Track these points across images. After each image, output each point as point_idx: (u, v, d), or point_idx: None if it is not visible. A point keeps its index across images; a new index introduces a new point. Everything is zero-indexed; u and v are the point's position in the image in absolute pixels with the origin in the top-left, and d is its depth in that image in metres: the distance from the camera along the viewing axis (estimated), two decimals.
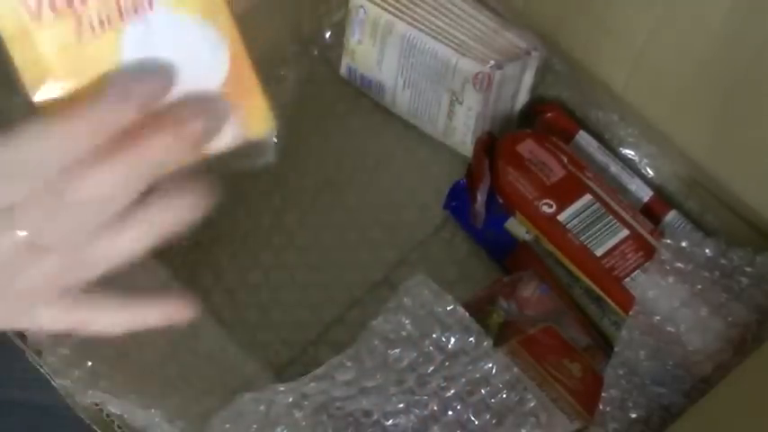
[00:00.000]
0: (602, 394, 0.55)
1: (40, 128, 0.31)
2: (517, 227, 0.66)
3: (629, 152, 0.69)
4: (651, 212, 0.66)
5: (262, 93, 0.35)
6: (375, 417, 0.51)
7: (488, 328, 0.59)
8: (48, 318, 0.36)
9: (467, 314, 0.53)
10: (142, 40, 0.32)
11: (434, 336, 0.53)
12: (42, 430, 0.68)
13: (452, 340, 0.53)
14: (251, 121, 0.34)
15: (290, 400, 0.50)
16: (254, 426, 0.50)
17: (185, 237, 0.66)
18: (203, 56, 0.33)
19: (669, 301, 0.58)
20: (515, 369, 0.53)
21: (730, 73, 0.59)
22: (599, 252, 0.62)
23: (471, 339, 0.53)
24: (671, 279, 0.58)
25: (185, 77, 0.32)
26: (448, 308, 0.53)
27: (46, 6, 0.31)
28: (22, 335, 0.63)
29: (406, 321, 0.53)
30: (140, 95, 0.32)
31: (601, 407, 0.55)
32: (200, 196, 0.34)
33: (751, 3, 0.56)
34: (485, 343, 0.53)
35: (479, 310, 0.60)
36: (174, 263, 0.62)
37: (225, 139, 0.34)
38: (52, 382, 0.58)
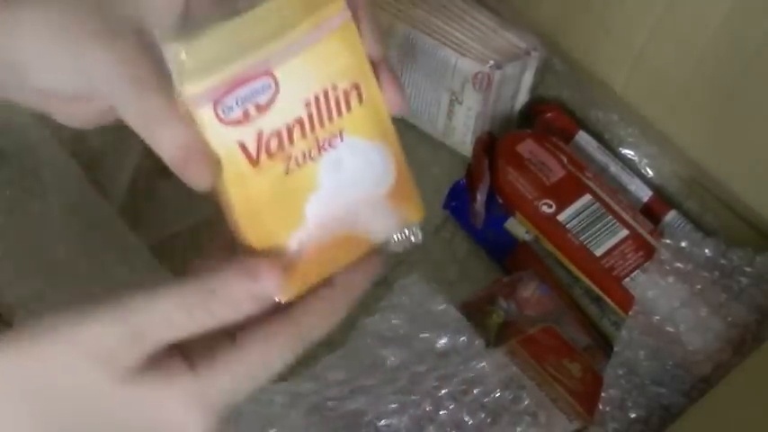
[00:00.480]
0: (602, 394, 0.55)
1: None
2: (517, 227, 0.66)
3: (628, 152, 0.69)
4: (651, 212, 0.66)
5: (417, 194, 0.41)
6: (369, 417, 0.51)
7: (488, 328, 0.59)
8: None
9: (459, 314, 0.54)
10: (334, 166, 0.38)
11: (427, 335, 0.53)
12: None
13: (445, 340, 0.53)
14: (408, 212, 0.41)
15: (285, 400, 0.50)
16: (249, 426, 0.50)
17: (185, 236, 0.66)
18: (377, 170, 0.39)
19: (669, 301, 0.58)
20: (509, 368, 0.53)
21: (730, 73, 0.59)
22: (599, 252, 0.62)
23: (463, 339, 0.53)
24: (670, 279, 0.58)
25: (363, 189, 0.39)
26: (440, 307, 0.53)
27: (263, 152, 0.37)
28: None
29: (400, 321, 0.53)
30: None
31: (600, 407, 0.55)
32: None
33: (750, 3, 0.56)
34: (476, 342, 0.53)
35: (479, 310, 0.60)
36: (174, 263, 0.62)
37: (387, 231, 0.41)
38: None
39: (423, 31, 0.68)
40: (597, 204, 0.64)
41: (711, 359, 0.57)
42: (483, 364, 0.52)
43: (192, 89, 0.35)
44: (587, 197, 0.64)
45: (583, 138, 0.69)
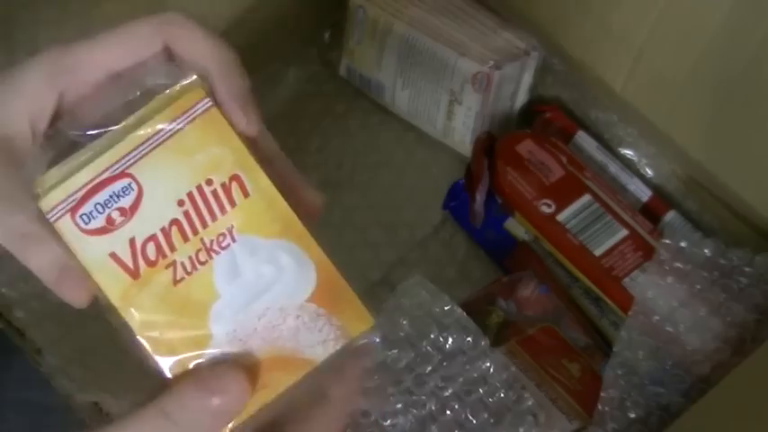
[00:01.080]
0: (601, 394, 0.55)
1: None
2: (516, 227, 0.66)
3: (628, 152, 0.69)
4: (650, 212, 0.66)
5: (356, 297, 0.36)
6: (373, 417, 0.51)
7: (487, 328, 0.59)
8: None
9: (464, 314, 0.53)
10: (230, 270, 0.34)
11: (432, 336, 0.53)
12: (42, 430, 0.68)
13: (450, 340, 0.53)
14: (354, 331, 0.36)
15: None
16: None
17: None
18: (289, 272, 0.35)
19: (668, 301, 0.58)
20: (513, 368, 0.53)
21: (729, 73, 0.59)
22: (598, 252, 0.62)
23: (469, 339, 0.53)
24: (670, 279, 0.58)
25: (276, 294, 0.35)
26: (445, 308, 0.53)
27: (141, 261, 0.34)
28: (21, 334, 0.63)
29: (404, 322, 0.53)
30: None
31: (600, 407, 0.55)
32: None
33: (750, 3, 0.56)
34: (482, 342, 0.53)
35: (478, 310, 0.60)
36: None
37: (328, 346, 0.36)
38: (52, 382, 0.58)
39: (422, 31, 0.68)
40: (596, 204, 0.64)
41: (711, 359, 0.57)
42: (488, 364, 0.52)
43: (47, 202, 0.34)
44: (587, 197, 0.64)
45: (582, 138, 0.69)
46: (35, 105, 0.35)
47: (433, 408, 0.52)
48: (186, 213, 0.34)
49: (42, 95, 0.35)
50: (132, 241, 0.34)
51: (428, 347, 0.52)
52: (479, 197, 0.66)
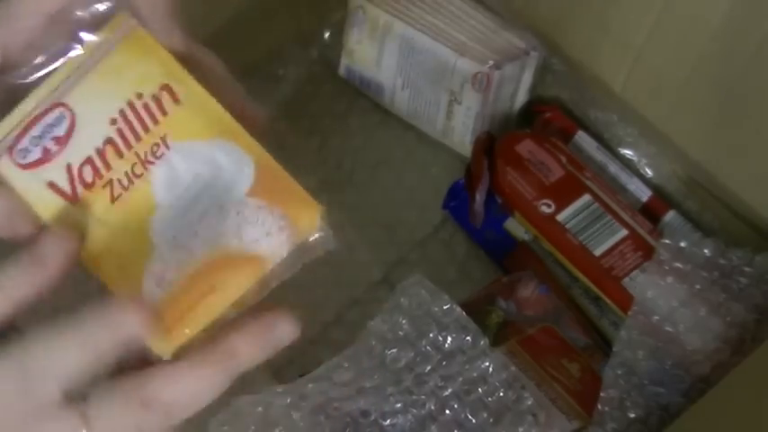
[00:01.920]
0: (601, 394, 0.55)
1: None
2: (516, 227, 0.66)
3: (627, 152, 0.69)
4: (650, 212, 0.66)
5: (299, 186, 0.35)
6: (373, 417, 0.51)
7: (487, 328, 0.59)
8: None
9: (463, 313, 0.53)
10: (168, 178, 0.34)
11: (431, 335, 0.53)
12: None
13: (449, 339, 0.53)
14: (298, 219, 0.35)
15: (288, 401, 0.50)
16: (252, 427, 0.50)
17: None
18: (226, 169, 0.34)
19: (668, 301, 0.58)
20: (512, 368, 0.53)
21: (729, 73, 0.59)
22: (598, 252, 0.62)
23: (468, 338, 0.53)
24: (670, 279, 0.58)
25: (214, 193, 0.34)
26: (444, 307, 0.53)
27: (79, 185, 0.34)
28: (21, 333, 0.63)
29: (403, 321, 0.53)
30: None
31: (599, 407, 0.55)
32: (281, 330, 0.35)
33: (750, 3, 0.56)
34: (482, 342, 0.53)
35: (478, 310, 0.60)
36: None
37: (281, 246, 0.35)
38: None
39: (422, 31, 0.68)
40: (596, 204, 0.64)
41: (710, 359, 0.57)
42: (487, 363, 0.52)
43: None
44: (586, 197, 0.64)
45: (582, 138, 0.69)
46: None
47: (433, 407, 0.52)
48: (119, 130, 0.34)
49: None
50: (69, 167, 0.34)
51: (428, 347, 0.52)
52: (479, 197, 0.66)
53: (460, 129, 0.70)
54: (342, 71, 0.75)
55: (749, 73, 0.58)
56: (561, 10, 0.67)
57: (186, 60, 0.36)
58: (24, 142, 0.34)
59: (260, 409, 0.51)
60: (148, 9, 0.36)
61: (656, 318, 0.57)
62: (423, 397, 0.52)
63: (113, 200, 0.34)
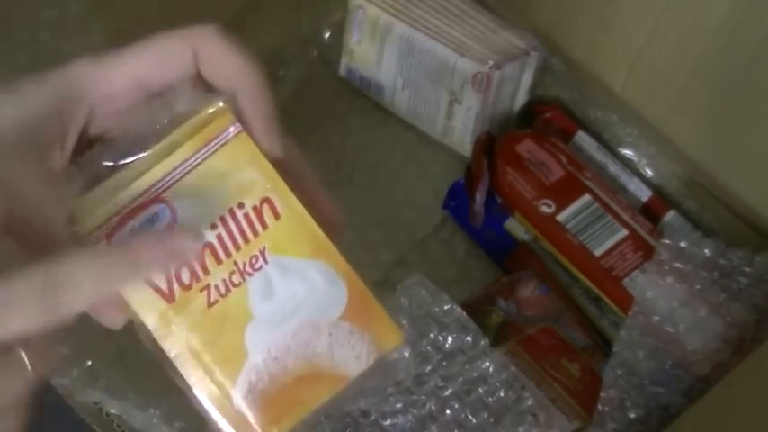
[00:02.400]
0: (601, 394, 0.55)
1: None
2: (516, 227, 0.66)
3: (627, 152, 0.69)
4: (650, 212, 0.66)
5: (385, 313, 0.37)
6: (373, 417, 0.51)
7: (487, 328, 0.59)
8: None
9: (464, 313, 0.53)
10: (264, 290, 0.35)
11: (432, 335, 0.53)
12: (42, 429, 0.68)
13: (449, 340, 0.53)
14: (385, 344, 0.36)
15: None
16: None
17: None
18: (322, 290, 0.36)
19: (668, 301, 0.58)
20: (512, 368, 0.53)
21: (729, 73, 0.59)
22: (598, 252, 0.62)
23: (468, 339, 0.53)
24: (670, 279, 0.58)
25: (309, 312, 0.35)
26: (445, 307, 0.53)
27: (176, 285, 0.34)
28: None
29: (404, 321, 0.53)
30: None
31: (599, 407, 0.55)
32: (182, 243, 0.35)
33: (750, 3, 0.56)
34: (482, 342, 0.53)
35: (478, 310, 0.60)
36: None
37: (361, 362, 0.36)
38: (51, 381, 0.58)
39: (422, 31, 0.68)
40: (596, 204, 0.64)
41: (710, 359, 0.57)
42: (487, 363, 0.52)
43: (84, 227, 0.34)
44: (586, 197, 0.64)
45: (582, 138, 0.69)
46: (67, 112, 0.35)
47: (433, 407, 0.52)
48: (219, 237, 0.35)
49: (74, 105, 0.35)
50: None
51: (428, 347, 0.52)
52: (479, 197, 0.66)
53: (460, 129, 0.70)
54: (342, 71, 0.75)
55: (749, 73, 0.58)
56: (561, 10, 0.68)
57: (280, 164, 0.36)
58: (124, 232, 0.34)
59: None
60: (252, 110, 0.36)
61: (657, 318, 0.57)
62: (423, 397, 0.52)
63: (210, 305, 0.35)
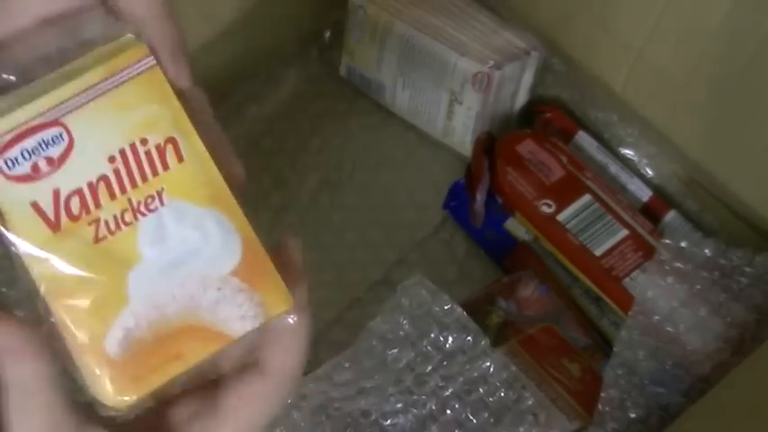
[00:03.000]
0: (602, 394, 0.55)
1: None
2: (516, 227, 0.66)
3: (628, 152, 0.69)
4: (650, 212, 0.66)
5: (279, 277, 0.35)
6: (373, 417, 0.51)
7: (488, 328, 0.59)
8: None
9: (464, 313, 0.53)
10: (156, 234, 0.33)
11: (432, 335, 0.53)
12: None
13: (450, 340, 0.53)
14: (273, 309, 0.34)
15: (289, 400, 0.50)
16: None
17: None
18: (216, 242, 0.34)
19: (668, 301, 0.58)
20: (513, 368, 0.53)
21: (729, 73, 0.59)
22: (598, 252, 0.62)
23: (469, 339, 0.53)
24: (670, 279, 0.58)
25: (199, 263, 0.34)
26: (445, 307, 0.53)
27: (63, 214, 0.32)
28: None
29: (404, 321, 0.53)
30: None
31: (600, 407, 0.55)
32: None
33: (750, 3, 0.56)
34: (482, 342, 0.53)
35: (478, 310, 0.60)
36: None
37: (246, 323, 0.34)
38: None
39: (422, 31, 0.68)
40: (597, 204, 0.64)
41: (711, 359, 0.57)
42: (488, 363, 0.52)
43: None
44: (587, 197, 0.64)
45: (582, 138, 0.69)
46: None
47: (434, 407, 0.52)
48: (116, 171, 0.33)
49: None
50: (57, 193, 0.33)
51: (428, 347, 0.52)
52: (479, 197, 0.66)
53: (461, 129, 0.70)
54: (342, 71, 0.75)
55: (749, 73, 0.58)
56: (561, 10, 0.68)
57: (186, 103, 0.35)
58: (14, 152, 0.33)
59: None
60: (159, 37, 0.35)
61: (657, 318, 0.57)
62: (423, 397, 0.52)
63: (96, 240, 0.33)
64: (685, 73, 0.62)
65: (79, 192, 0.33)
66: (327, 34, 0.76)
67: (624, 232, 0.63)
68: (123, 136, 0.33)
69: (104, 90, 0.33)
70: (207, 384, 0.35)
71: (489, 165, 0.66)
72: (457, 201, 0.69)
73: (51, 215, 0.33)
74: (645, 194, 0.67)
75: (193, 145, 0.34)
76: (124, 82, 0.34)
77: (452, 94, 0.69)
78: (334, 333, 0.66)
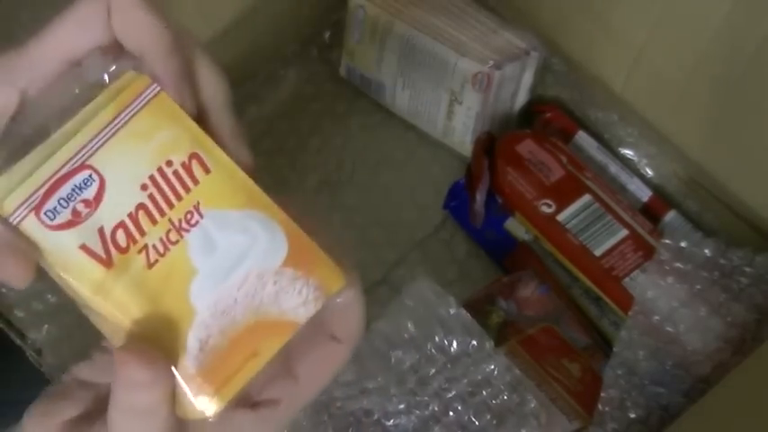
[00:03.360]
0: (602, 394, 0.55)
1: None
2: (516, 227, 0.66)
3: (628, 152, 0.69)
4: (650, 212, 0.66)
5: (326, 257, 0.36)
6: (376, 416, 0.51)
7: (488, 328, 0.59)
8: None
9: (469, 316, 0.53)
10: (204, 245, 0.35)
11: (437, 338, 0.53)
12: None
13: (455, 343, 0.53)
14: (330, 288, 0.36)
15: None
16: None
17: None
18: (261, 239, 0.35)
19: (668, 302, 0.58)
20: (516, 371, 0.53)
21: (730, 73, 0.59)
22: (598, 252, 0.62)
23: (474, 342, 0.53)
24: (670, 279, 0.58)
25: (251, 262, 0.35)
26: (450, 310, 0.53)
27: (113, 249, 0.34)
28: (22, 335, 0.63)
29: (409, 323, 0.53)
30: None
31: (600, 407, 0.55)
32: None
33: (750, 3, 0.56)
34: (487, 345, 0.53)
35: (478, 310, 0.60)
36: None
37: (309, 306, 0.36)
38: (52, 382, 0.58)
39: (422, 31, 0.68)
40: (597, 204, 0.64)
41: (711, 359, 0.57)
42: (492, 366, 0.52)
43: (8, 204, 0.33)
44: (587, 197, 0.64)
45: (582, 138, 0.69)
46: None
47: (436, 409, 0.52)
48: (151, 196, 0.35)
49: (4, 97, 0.35)
50: (101, 230, 0.34)
51: (433, 350, 0.52)
52: (480, 197, 0.66)
53: (461, 129, 0.70)
54: (342, 71, 0.75)
55: (749, 73, 0.58)
56: (561, 10, 0.68)
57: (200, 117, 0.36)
58: (51, 203, 0.34)
59: None
60: (161, 69, 0.36)
61: (657, 318, 0.57)
62: (426, 398, 0.52)
63: (150, 266, 0.34)
64: (685, 73, 0.62)
65: (122, 224, 0.34)
66: (327, 34, 0.76)
67: (624, 232, 0.63)
68: (149, 163, 0.35)
69: (119, 125, 0.35)
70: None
71: (489, 165, 0.66)
72: (457, 201, 0.69)
73: (102, 252, 0.34)
74: (645, 194, 0.67)
75: (215, 155, 0.36)
76: (135, 113, 0.35)
77: (452, 94, 0.69)
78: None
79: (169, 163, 0.35)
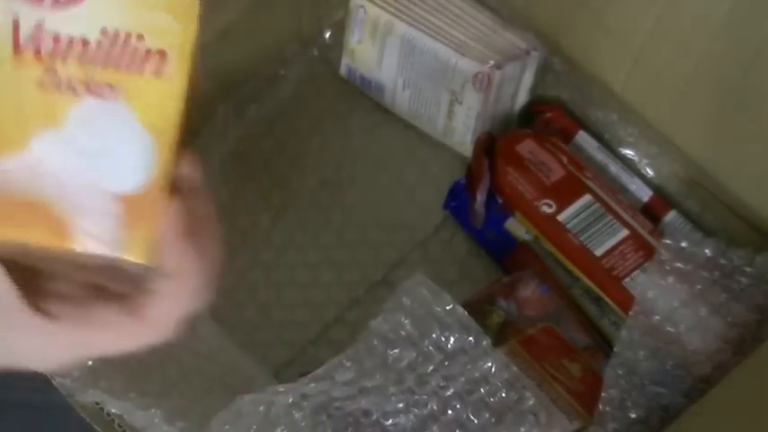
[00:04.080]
0: (602, 394, 0.55)
1: None
2: (517, 227, 0.66)
3: (628, 152, 0.69)
4: (651, 212, 0.66)
5: (154, 231, 0.34)
6: (374, 416, 0.51)
7: (488, 328, 0.59)
8: None
9: (466, 313, 0.53)
10: (85, 118, 0.33)
11: (434, 335, 0.52)
12: (42, 430, 0.68)
13: (452, 340, 0.53)
14: (130, 245, 0.34)
15: (290, 400, 0.50)
16: (254, 426, 0.50)
17: None
18: (129, 163, 0.33)
19: (669, 302, 0.58)
20: (514, 368, 0.53)
21: (730, 73, 0.59)
22: (598, 252, 0.62)
23: (470, 339, 0.53)
24: (670, 279, 0.58)
25: (102, 167, 0.33)
26: (447, 307, 0.53)
27: (31, 46, 0.32)
28: None
29: (406, 321, 0.53)
30: None
31: (600, 407, 0.55)
32: None
33: (750, 3, 0.56)
34: (484, 342, 0.53)
35: (479, 310, 0.60)
36: None
37: (97, 246, 0.34)
38: (52, 382, 0.58)
39: (423, 30, 0.68)
40: (597, 204, 0.64)
41: (711, 359, 0.57)
42: (489, 363, 0.52)
43: None
44: (587, 197, 0.64)
45: (583, 138, 0.69)
46: None
47: (435, 407, 0.52)
48: (98, 43, 0.33)
49: None
50: (39, 25, 0.32)
51: (430, 347, 0.52)
52: (480, 197, 0.66)
53: (461, 129, 0.70)
54: (342, 71, 0.75)
55: (750, 73, 0.58)
56: (562, 10, 0.68)
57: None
58: None
59: (261, 408, 0.51)
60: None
61: (657, 318, 0.57)
62: (425, 397, 0.51)
63: (41, 86, 0.33)
64: (686, 73, 0.62)
65: (57, 38, 0.32)
66: (327, 34, 0.76)
67: (624, 232, 0.63)
68: (128, 21, 0.33)
69: None
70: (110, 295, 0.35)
71: (489, 165, 0.66)
72: (457, 201, 0.69)
73: (22, 38, 0.32)
74: (645, 194, 0.67)
75: (178, 73, 0.33)
76: None
77: (453, 94, 0.69)
78: (334, 333, 0.66)
79: (139, 37, 0.33)
